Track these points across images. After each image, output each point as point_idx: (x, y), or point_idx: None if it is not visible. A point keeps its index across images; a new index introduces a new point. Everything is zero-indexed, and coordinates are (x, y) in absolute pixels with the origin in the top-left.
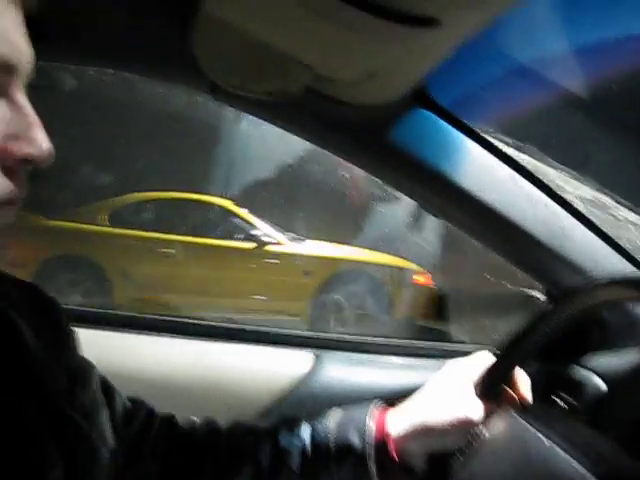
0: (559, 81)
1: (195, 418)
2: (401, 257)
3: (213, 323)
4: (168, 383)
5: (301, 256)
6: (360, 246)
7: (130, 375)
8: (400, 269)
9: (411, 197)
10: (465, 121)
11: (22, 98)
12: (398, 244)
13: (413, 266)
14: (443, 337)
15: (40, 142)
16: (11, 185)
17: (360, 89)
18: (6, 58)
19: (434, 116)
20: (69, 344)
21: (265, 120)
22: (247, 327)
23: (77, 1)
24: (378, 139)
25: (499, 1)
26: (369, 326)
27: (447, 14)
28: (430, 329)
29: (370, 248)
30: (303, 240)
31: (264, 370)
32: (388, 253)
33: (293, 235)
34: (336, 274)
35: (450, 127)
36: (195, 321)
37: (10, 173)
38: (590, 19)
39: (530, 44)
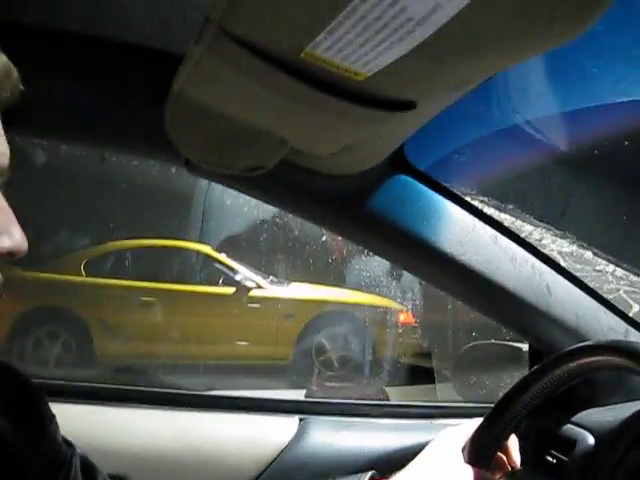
0: (538, 141)
1: None
2: (384, 297)
3: (194, 392)
4: (152, 456)
5: (283, 299)
6: (342, 287)
7: (112, 450)
8: (383, 308)
9: (393, 262)
10: (444, 184)
11: (1, 197)
12: (381, 285)
13: (396, 305)
14: (429, 376)
15: (18, 237)
16: None
17: (336, 161)
18: None
19: (413, 180)
20: (49, 430)
21: (241, 192)
22: (228, 395)
23: (49, 82)
24: (357, 207)
25: (475, 80)
26: (354, 368)
27: (424, 97)
28: (415, 367)
29: (353, 289)
30: (284, 283)
31: (248, 438)
32: (371, 293)
33: (274, 278)
34: (319, 316)
35: (430, 190)
36: (176, 391)
37: None
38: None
39: (507, 105)
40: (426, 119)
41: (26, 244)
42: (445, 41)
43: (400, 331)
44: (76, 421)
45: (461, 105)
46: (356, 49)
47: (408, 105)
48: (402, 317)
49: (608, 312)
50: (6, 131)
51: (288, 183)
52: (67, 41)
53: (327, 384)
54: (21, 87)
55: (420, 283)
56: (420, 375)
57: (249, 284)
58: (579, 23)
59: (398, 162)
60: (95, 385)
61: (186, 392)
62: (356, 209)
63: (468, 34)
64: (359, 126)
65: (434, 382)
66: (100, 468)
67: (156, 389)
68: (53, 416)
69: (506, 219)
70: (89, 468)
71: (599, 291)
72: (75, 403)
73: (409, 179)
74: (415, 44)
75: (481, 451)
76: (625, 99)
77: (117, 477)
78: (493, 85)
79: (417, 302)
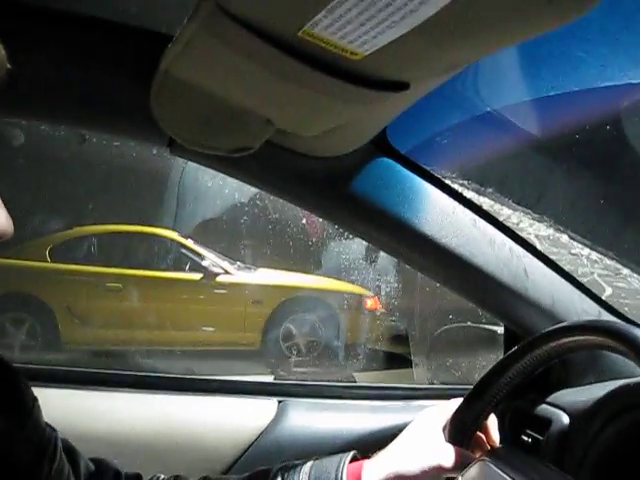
0: (519, 125)
1: (163, 476)
2: (352, 283)
3: (172, 375)
4: (131, 440)
5: (250, 285)
6: (311, 273)
7: (91, 434)
8: (351, 295)
9: (374, 244)
10: (425, 167)
11: None
12: (352, 273)
13: (364, 291)
14: (397, 361)
15: (3, 219)
16: None
17: (320, 142)
18: None
19: (395, 163)
20: (32, 414)
21: (223, 173)
22: (208, 377)
23: (25, 54)
24: (339, 189)
25: (469, 61)
26: (321, 353)
27: (417, 78)
28: (384, 352)
29: (321, 275)
30: (252, 269)
31: (227, 421)
32: (339, 280)
33: (241, 264)
34: (287, 302)
35: (411, 173)
36: (154, 374)
37: None
38: (556, 68)
39: (490, 90)
40: (413, 101)
41: (12, 227)
42: (445, 21)
43: (367, 317)
44: (54, 405)
45: (443, 89)
46: (356, 28)
47: (401, 86)
48: (369, 303)
49: (582, 295)
50: None
51: (271, 165)
52: (50, 19)
53: (295, 369)
54: (8, 66)
55: (393, 269)
56: (387, 360)
57: (216, 270)
58: (578, 5)
59: (380, 145)
60: (72, 369)
61: (164, 375)
62: (338, 191)
63: (468, 14)
64: (349, 106)
65: (401, 367)
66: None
67: (133, 372)
68: (35, 399)
69: (485, 202)
70: (71, 451)
71: (574, 274)
72: (53, 387)
73: (391, 162)
74: (416, 23)
75: (461, 430)
76: (610, 83)
77: (97, 461)
78: (475, 68)
79: (389, 289)
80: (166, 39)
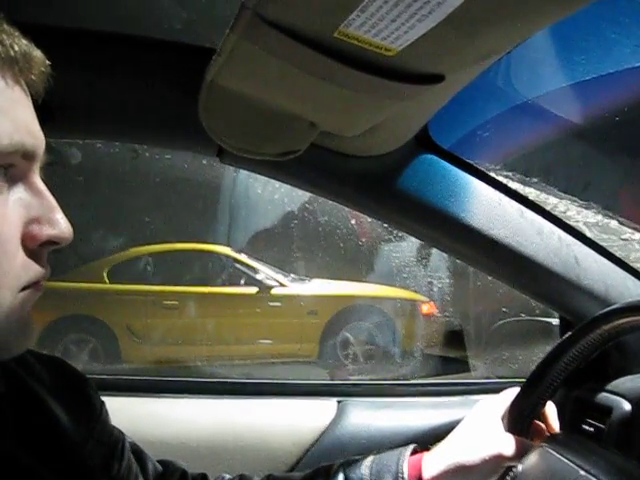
0: (558, 112)
1: (228, 475)
2: (406, 289)
3: (233, 380)
4: (194, 444)
5: (305, 296)
6: (365, 281)
7: (156, 439)
8: (406, 300)
9: (422, 240)
10: (469, 160)
11: (40, 182)
12: (405, 278)
13: (418, 297)
14: (457, 366)
15: (61, 223)
16: (38, 267)
17: (363, 141)
18: (27, 147)
19: (438, 159)
20: (101, 416)
21: (270, 177)
22: (267, 381)
23: (81, 76)
24: (384, 187)
25: (502, 49)
26: (380, 360)
27: (452, 70)
28: (442, 358)
29: (373, 278)
30: (306, 280)
31: (288, 422)
32: (392, 286)
33: (295, 276)
34: (342, 311)
35: (455, 168)
36: (215, 379)
37: (35, 256)
38: (590, 52)
39: (527, 79)
40: (452, 94)
41: (71, 232)
42: (472, 11)
43: (424, 322)
44: (120, 413)
45: (481, 82)
46: (387, 24)
47: (437, 78)
48: (425, 308)
49: (636, 280)
50: (41, 124)
51: (318, 167)
52: (104, 41)
53: (354, 378)
54: (48, 71)
55: (445, 267)
56: (446, 365)
57: (271, 283)
58: None
59: (423, 141)
60: (136, 377)
61: (224, 380)
62: (384, 189)
63: (494, 2)
64: (388, 103)
65: (459, 372)
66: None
67: (195, 379)
68: (103, 403)
69: (531, 193)
70: (138, 453)
71: (626, 260)
72: (117, 396)
73: (435, 158)
74: (444, 15)
75: (520, 419)
76: None
77: (164, 462)
78: (511, 59)
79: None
80: (209, 52)
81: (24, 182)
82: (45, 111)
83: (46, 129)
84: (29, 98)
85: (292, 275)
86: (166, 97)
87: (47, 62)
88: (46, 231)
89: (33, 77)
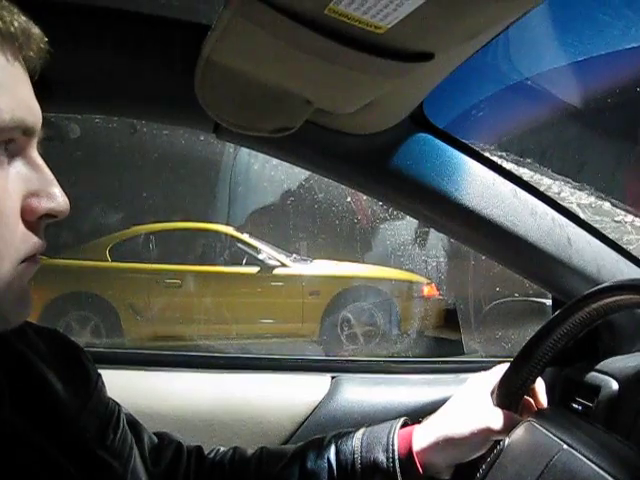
0: (552, 93)
1: (222, 448)
2: (407, 270)
3: (229, 354)
4: (190, 417)
5: (307, 277)
6: (366, 262)
7: (152, 412)
8: (407, 282)
9: (416, 218)
10: (464, 140)
11: (38, 157)
12: (403, 259)
13: (419, 278)
14: (455, 347)
15: (59, 197)
16: (36, 239)
17: (359, 119)
18: (26, 122)
19: (433, 138)
20: (96, 387)
21: (266, 154)
22: (263, 356)
23: (78, 52)
24: (379, 165)
25: (491, 29)
26: (380, 341)
27: (441, 48)
28: (441, 339)
29: (375, 264)
30: (308, 261)
31: (283, 397)
32: (393, 267)
33: (297, 256)
34: (343, 292)
35: (450, 147)
36: (211, 354)
37: (33, 229)
38: (581, 33)
39: (521, 59)
40: (445, 73)
41: (68, 206)
42: None
43: (424, 304)
44: (117, 386)
45: (475, 62)
46: (376, 2)
47: (426, 56)
48: (426, 290)
49: (628, 262)
50: (39, 99)
51: (312, 143)
52: (99, 17)
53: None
54: (46, 47)
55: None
56: (447, 346)
57: (273, 263)
58: None
59: (418, 120)
60: (134, 351)
61: (221, 354)
62: (378, 167)
63: None
64: (380, 80)
65: (460, 354)
66: None
67: (193, 353)
68: (99, 374)
69: (525, 173)
70: (134, 425)
71: (619, 242)
72: (115, 369)
73: (429, 137)
74: None
75: (509, 394)
76: (636, 44)
77: (159, 434)
78: (504, 39)
79: (441, 274)
80: (205, 29)
81: (23, 157)
82: (42, 86)
83: (43, 104)
84: (27, 74)
85: (294, 255)
86: (164, 73)
87: (45, 39)
88: (44, 204)
89: (32, 54)
